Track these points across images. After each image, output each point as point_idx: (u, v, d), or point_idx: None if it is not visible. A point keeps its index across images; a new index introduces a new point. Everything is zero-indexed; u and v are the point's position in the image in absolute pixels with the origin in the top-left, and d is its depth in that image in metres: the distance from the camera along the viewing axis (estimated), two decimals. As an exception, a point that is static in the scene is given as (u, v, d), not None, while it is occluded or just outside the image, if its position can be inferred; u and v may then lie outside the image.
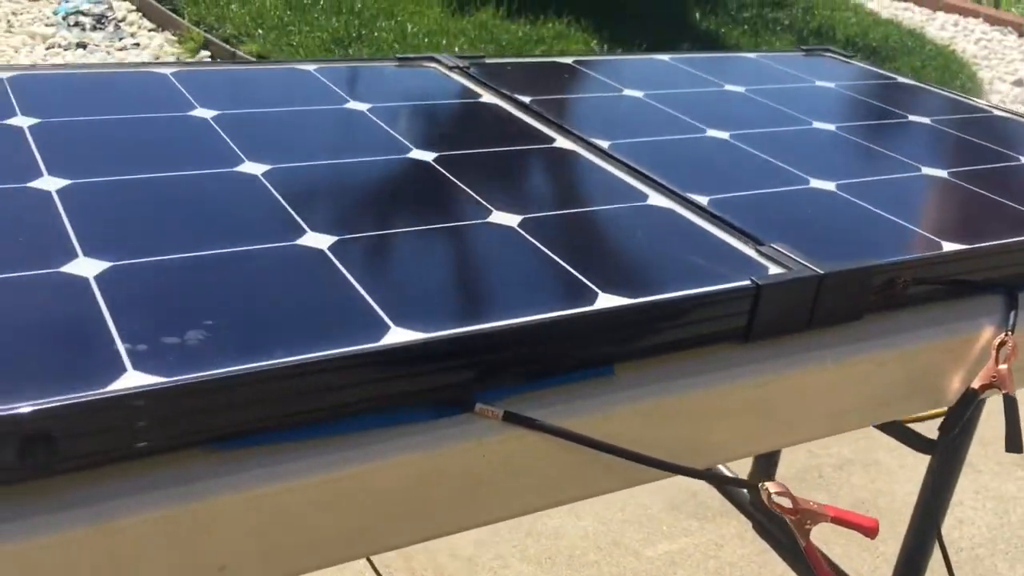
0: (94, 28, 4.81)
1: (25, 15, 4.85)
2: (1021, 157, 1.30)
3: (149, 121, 1.07)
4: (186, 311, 0.71)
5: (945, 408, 0.98)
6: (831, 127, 1.33)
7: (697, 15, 5.79)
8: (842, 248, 0.95)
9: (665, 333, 0.81)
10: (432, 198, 0.96)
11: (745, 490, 1.92)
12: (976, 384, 0.93)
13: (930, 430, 1.12)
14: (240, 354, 0.67)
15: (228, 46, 4.49)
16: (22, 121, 1.02)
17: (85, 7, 4.94)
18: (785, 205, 1.04)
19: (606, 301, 0.80)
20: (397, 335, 0.71)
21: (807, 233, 0.98)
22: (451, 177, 1.01)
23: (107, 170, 0.93)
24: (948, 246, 0.98)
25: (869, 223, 1.02)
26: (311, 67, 1.34)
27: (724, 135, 1.25)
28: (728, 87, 1.47)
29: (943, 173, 1.20)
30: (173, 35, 4.78)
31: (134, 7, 5.05)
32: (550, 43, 4.77)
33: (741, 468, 2.00)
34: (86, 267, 0.75)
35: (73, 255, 0.77)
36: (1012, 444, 0.89)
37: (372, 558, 1.61)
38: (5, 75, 1.16)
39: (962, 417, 0.95)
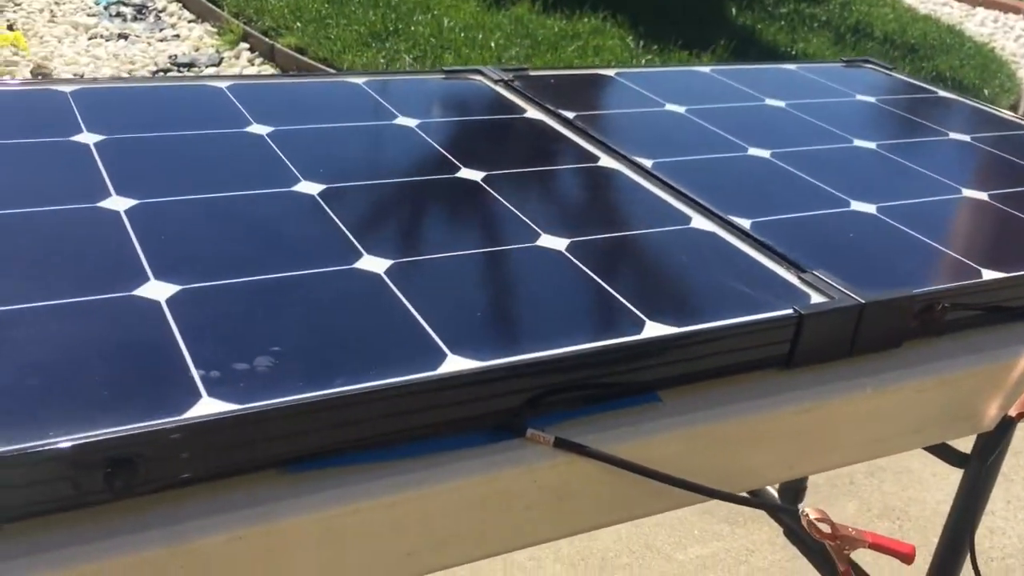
0: (135, 19, 4.88)
1: (68, 5, 4.93)
2: (1062, 178, 1.31)
3: (208, 138, 1.10)
4: (252, 336, 0.75)
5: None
6: (872, 145, 1.35)
7: (733, 11, 5.77)
8: (882, 275, 0.97)
9: (709, 360, 0.84)
10: (482, 219, 0.99)
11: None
12: (1013, 412, 0.95)
13: (963, 443, 1.14)
14: (305, 381, 0.70)
15: (267, 39, 4.54)
16: (88, 138, 1.06)
17: (126, -2, 5.01)
18: (826, 229, 1.06)
19: (653, 329, 0.82)
20: (454, 363, 0.74)
21: (848, 258, 1.00)
22: (499, 198, 1.04)
23: (170, 189, 0.97)
24: (987, 273, 1.00)
25: (909, 248, 1.04)
26: (360, 80, 1.37)
27: (765, 153, 1.27)
28: (769, 101, 1.49)
29: (983, 196, 1.21)
30: (212, 27, 4.84)
31: (174, -2, 5.11)
32: (586, 39, 4.78)
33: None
34: (158, 290, 0.79)
35: (145, 278, 0.81)
36: None
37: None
38: (68, 88, 1.20)
39: (999, 443, 0.97)
